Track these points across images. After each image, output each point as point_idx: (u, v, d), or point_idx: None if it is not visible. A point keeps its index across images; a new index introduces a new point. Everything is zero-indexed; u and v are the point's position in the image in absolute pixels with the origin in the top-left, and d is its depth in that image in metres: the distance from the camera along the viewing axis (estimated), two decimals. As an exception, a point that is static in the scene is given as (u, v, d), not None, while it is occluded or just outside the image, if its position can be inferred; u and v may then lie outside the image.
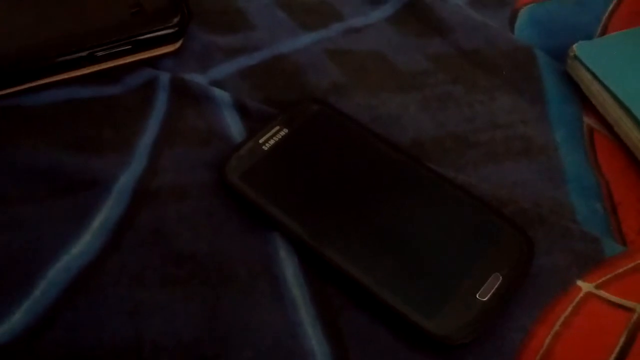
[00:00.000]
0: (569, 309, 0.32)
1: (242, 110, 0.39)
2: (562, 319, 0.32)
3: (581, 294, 0.33)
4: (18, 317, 0.30)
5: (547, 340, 0.31)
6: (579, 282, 0.33)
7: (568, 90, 0.42)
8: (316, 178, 0.36)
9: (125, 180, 0.35)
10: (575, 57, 0.42)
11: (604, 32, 0.46)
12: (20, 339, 0.30)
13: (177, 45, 0.41)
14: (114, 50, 0.39)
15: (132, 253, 0.33)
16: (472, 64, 0.43)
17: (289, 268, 0.33)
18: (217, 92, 0.39)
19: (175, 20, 0.40)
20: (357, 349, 0.31)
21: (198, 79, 0.41)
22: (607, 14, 0.47)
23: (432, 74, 0.43)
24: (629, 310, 0.32)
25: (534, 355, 0.31)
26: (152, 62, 0.41)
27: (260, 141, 0.36)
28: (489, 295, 0.31)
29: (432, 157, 0.38)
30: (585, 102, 0.41)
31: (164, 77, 0.40)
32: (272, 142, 0.36)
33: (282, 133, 0.37)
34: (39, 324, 0.30)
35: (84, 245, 0.33)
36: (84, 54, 0.38)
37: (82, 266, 0.32)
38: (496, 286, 0.31)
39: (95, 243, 0.33)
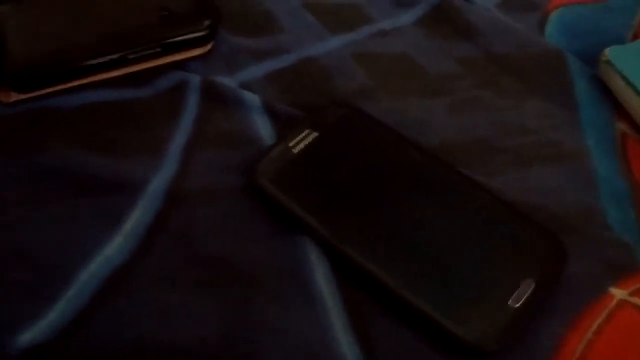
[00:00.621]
0: (602, 316, 0.32)
1: (271, 113, 0.39)
2: (594, 326, 0.31)
3: (614, 302, 0.32)
4: (52, 318, 0.31)
5: (580, 348, 0.31)
6: (612, 290, 0.33)
7: (600, 95, 0.42)
8: (346, 182, 0.36)
9: (157, 183, 0.35)
10: (607, 62, 0.41)
11: (635, 37, 0.45)
12: (54, 339, 0.30)
13: (207, 48, 0.42)
14: (144, 53, 0.39)
15: (162, 256, 0.33)
16: (501, 68, 0.43)
17: (320, 272, 0.33)
18: (247, 95, 0.40)
19: (206, 23, 0.41)
20: (388, 355, 0.31)
21: (227, 81, 0.41)
22: (638, 18, 0.47)
23: (460, 78, 0.42)
24: (663, 318, 0.32)
25: (567, 363, 0.30)
26: (183, 65, 0.41)
27: (290, 144, 0.36)
28: (521, 302, 0.31)
29: (460, 163, 0.37)
30: (617, 107, 0.41)
31: (194, 80, 0.40)
32: (301, 145, 0.36)
33: (312, 136, 0.37)
34: (73, 325, 0.31)
35: (116, 247, 0.33)
36: (115, 56, 0.39)
37: (115, 268, 0.32)
38: (528, 293, 0.31)
39: (127, 245, 0.33)
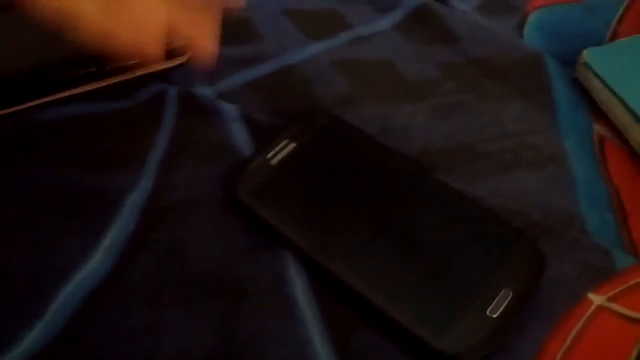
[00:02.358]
0: (581, 322, 0.32)
1: (250, 123, 0.39)
2: (573, 333, 0.32)
3: (592, 307, 0.32)
4: (31, 339, 0.30)
5: (559, 356, 0.31)
6: (590, 295, 0.33)
7: (578, 97, 0.42)
8: (325, 192, 0.36)
9: (136, 197, 0.35)
10: (585, 64, 0.41)
11: (614, 37, 0.45)
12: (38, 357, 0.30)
13: (186, 57, 0.41)
14: (122, 65, 0.39)
15: (144, 271, 0.33)
16: (481, 72, 0.43)
17: (299, 285, 0.33)
18: (225, 106, 0.40)
19: (183, 33, 0.40)
20: (369, 366, 0.31)
21: (207, 91, 0.41)
22: (616, 19, 0.47)
23: (441, 82, 0.42)
24: (641, 323, 0.32)
25: (546, 370, 0.31)
26: (162, 75, 0.41)
27: (268, 156, 0.36)
28: (499, 312, 0.31)
29: (441, 168, 0.38)
30: (595, 110, 0.41)
31: (173, 91, 0.40)
32: (280, 156, 0.36)
33: (291, 147, 0.37)
34: (54, 345, 0.30)
35: (96, 263, 0.33)
36: (92, 69, 0.39)
37: (95, 285, 0.32)
38: (507, 302, 0.31)
39: (107, 261, 0.33)
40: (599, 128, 0.41)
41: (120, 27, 0.30)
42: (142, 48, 0.31)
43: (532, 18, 0.47)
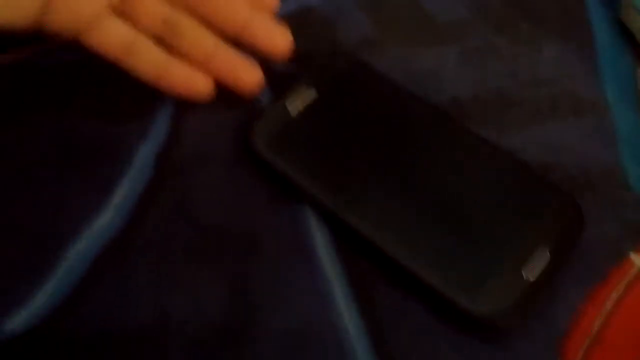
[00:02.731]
0: (622, 286, 0.30)
1: (267, 69, 0.36)
2: (613, 297, 0.30)
3: (634, 270, 0.31)
4: (42, 300, 0.29)
5: (597, 323, 0.29)
6: (632, 256, 0.31)
7: (622, 41, 0.39)
8: (347, 144, 0.33)
9: (147, 150, 0.33)
10: (631, 5, 0.38)
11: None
12: (46, 321, 0.29)
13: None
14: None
15: (156, 228, 0.31)
16: (516, 11, 0.40)
17: (320, 241, 0.31)
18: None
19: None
20: (393, 326, 0.29)
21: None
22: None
23: (471, 23, 0.39)
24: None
25: (584, 338, 0.29)
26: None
27: (287, 104, 0.34)
28: (535, 273, 0.29)
29: (473, 117, 0.35)
30: (640, 55, 0.38)
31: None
32: (299, 104, 0.34)
33: (310, 94, 0.34)
34: (64, 307, 0.29)
35: (106, 220, 0.31)
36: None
37: (105, 243, 0.31)
38: (543, 262, 0.29)
39: (117, 218, 0.31)
40: (644, 74, 0.38)
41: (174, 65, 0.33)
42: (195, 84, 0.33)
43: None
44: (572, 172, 0.33)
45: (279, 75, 0.36)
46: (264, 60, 0.36)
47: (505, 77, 0.37)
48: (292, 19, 0.39)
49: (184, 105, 0.35)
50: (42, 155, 0.33)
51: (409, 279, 0.30)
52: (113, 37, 0.32)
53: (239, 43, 0.34)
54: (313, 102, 0.34)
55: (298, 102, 0.34)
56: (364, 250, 0.31)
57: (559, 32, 0.39)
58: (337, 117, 0.34)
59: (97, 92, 0.35)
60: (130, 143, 0.33)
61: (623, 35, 0.39)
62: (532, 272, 0.29)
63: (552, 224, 0.31)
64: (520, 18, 0.40)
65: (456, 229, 0.31)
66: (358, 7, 0.39)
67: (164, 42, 0.33)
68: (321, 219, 0.32)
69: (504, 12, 0.40)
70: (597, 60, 0.38)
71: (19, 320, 0.29)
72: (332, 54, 0.36)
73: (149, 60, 0.33)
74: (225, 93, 0.35)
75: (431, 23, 0.39)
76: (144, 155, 0.33)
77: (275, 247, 0.31)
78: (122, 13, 0.33)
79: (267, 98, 0.35)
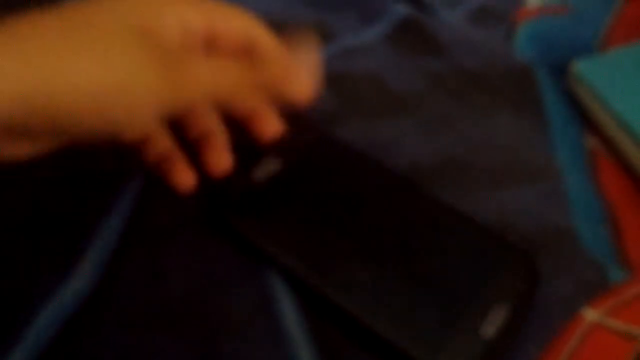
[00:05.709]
0: (575, 339, 0.31)
1: (232, 142, 0.38)
2: (568, 351, 0.31)
3: (587, 324, 0.32)
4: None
5: (554, 375, 0.30)
6: (584, 311, 0.32)
7: (570, 109, 0.41)
8: (313, 211, 0.35)
9: (114, 222, 0.34)
10: (576, 75, 0.41)
11: (604, 47, 0.45)
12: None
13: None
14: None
15: (122, 297, 0.32)
16: (470, 84, 0.43)
17: (287, 306, 0.32)
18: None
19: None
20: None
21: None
22: (605, 29, 0.46)
23: (429, 95, 0.42)
24: (635, 338, 0.31)
25: (542, 390, 0.30)
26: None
27: (253, 174, 0.36)
28: (493, 330, 0.30)
29: (431, 184, 0.37)
30: (587, 122, 0.41)
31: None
32: (265, 174, 0.36)
33: (277, 164, 0.36)
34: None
35: (71, 290, 0.32)
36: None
37: (73, 310, 0.31)
38: (501, 320, 0.31)
39: (84, 287, 0.32)
40: (591, 140, 0.40)
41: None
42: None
43: (521, 28, 0.46)
44: (528, 234, 0.35)
45: (245, 146, 0.38)
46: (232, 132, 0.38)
47: (461, 145, 0.39)
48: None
49: (150, 177, 0.36)
50: (12, 222, 0.34)
51: (373, 341, 0.30)
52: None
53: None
54: (279, 171, 0.36)
55: (263, 172, 0.36)
56: (330, 314, 0.32)
57: (512, 103, 0.42)
58: (302, 185, 0.36)
59: (67, 165, 0.36)
60: (98, 212, 0.34)
61: (571, 103, 0.41)
62: (489, 329, 0.30)
63: (509, 281, 0.32)
64: (476, 91, 0.42)
65: (417, 290, 0.32)
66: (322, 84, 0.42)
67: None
68: (288, 285, 0.32)
69: (458, 85, 0.42)
70: (548, 127, 0.40)
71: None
72: (297, 126, 0.38)
73: (157, 152, 0.35)
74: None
75: (390, 96, 0.42)
76: (111, 226, 0.34)
77: (244, 314, 0.32)
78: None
79: (233, 167, 0.37)
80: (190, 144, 0.35)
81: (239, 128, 0.35)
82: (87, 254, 0.33)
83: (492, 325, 0.30)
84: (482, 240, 0.34)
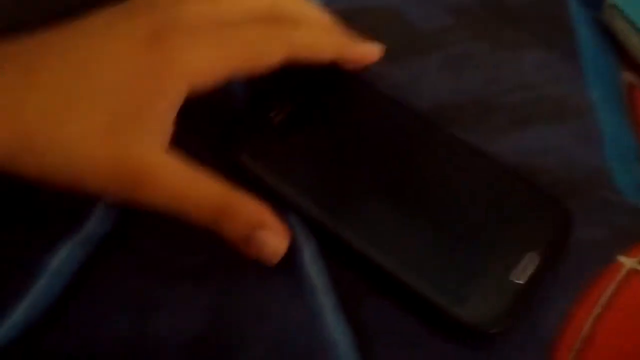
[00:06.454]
0: (611, 288, 0.30)
1: (250, 81, 0.36)
2: (603, 299, 0.29)
3: (623, 271, 0.30)
4: (16, 318, 0.29)
5: (587, 325, 0.29)
6: (621, 258, 0.31)
7: (604, 42, 0.38)
8: (332, 153, 0.33)
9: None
10: (612, 5, 0.38)
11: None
12: (18, 340, 0.28)
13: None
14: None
15: (139, 241, 0.31)
16: (496, 17, 0.40)
17: (306, 252, 0.31)
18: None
19: None
20: (382, 339, 0.29)
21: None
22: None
23: (452, 30, 0.39)
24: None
25: (574, 340, 0.28)
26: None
27: (272, 114, 0.34)
28: (524, 277, 0.29)
29: (456, 125, 0.35)
30: (623, 56, 0.38)
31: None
32: (283, 115, 0.34)
33: (294, 104, 0.34)
34: (39, 323, 0.29)
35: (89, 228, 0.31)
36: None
37: (86, 254, 0.30)
38: (532, 267, 0.29)
39: (97, 229, 0.31)
40: (628, 75, 0.37)
41: None
42: None
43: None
44: (559, 176, 0.33)
45: (261, 85, 0.36)
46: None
47: (487, 83, 0.37)
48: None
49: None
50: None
51: (397, 289, 0.29)
52: None
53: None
54: (297, 111, 0.34)
55: (281, 111, 0.34)
56: (351, 260, 0.30)
57: (541, 37, 0.39)
58: (321, 126, 0.34)
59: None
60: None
61: (606, 36, 0.39)
62: (521, 275, 0.29)
63: (541, 230, 0.30)
64: (501, 24, 0.40)
65: (444, 236, 0.30)
66: (338, 18, 0.39)
67: None
68: (308, 231, 0.31)
69: (485, 18, 0.40)
70: (581, 62, 0.38)
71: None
72: (314, 65, 0.36)
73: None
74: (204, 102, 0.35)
75: (412, 31, 0.39)
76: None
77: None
78: None
79: (250, 107, 0.35)
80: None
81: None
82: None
83: (524, 271, 0.29)
84: (513, 184, 0.32)
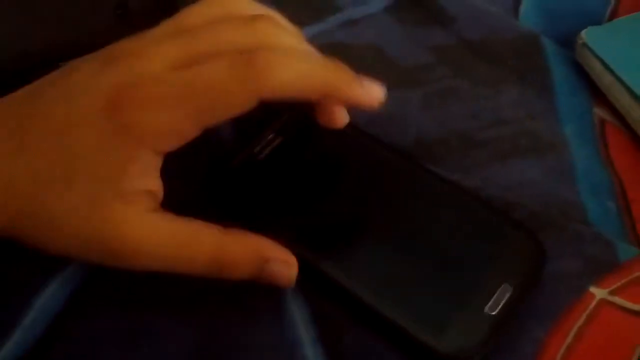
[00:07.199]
0: (583, 318, 0.31)
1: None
2: (575, 329, 0.30)
3: (595, 302, 0.31)
4: (3, 355, 0.29)
5: (561, 353, 0.30)
6: (592, 289, 0.32)
7: (578, 80, 0.40)
8: (314, 188, 0.34)
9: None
10: (585, 45, 0.40)
11: (613, 16, 0.43)
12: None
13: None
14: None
15: (123, 274, 0.31)
16: (475, 55, 0.41)
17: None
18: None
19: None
20: (362, 370, 0.30)
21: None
22: (615, -3, 0.45)
23: (433, 67, 0.41)
24: (646, 316, 0.31)
25: (548, 369, 0.29)
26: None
27: (255, 150, 0.35)
28: (498, 308, 0.30)
29: (436, 158, 0.36)
30: (596, 93, 0.40)
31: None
32: (267, 151, 0.35)
33: (278, 141, 0.35)
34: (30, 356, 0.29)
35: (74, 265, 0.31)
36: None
37: (71, 291, 0.31)
38: (506, 298, 0.30)
39: (82, 265, 0.31)
40: (600, 112, 0.39)
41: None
42: None
43: (527, -2, 0.45)
44: (533, 209, 0.34)
45: (246, 122, 0.37)
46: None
47: (467, 118, 0.38)
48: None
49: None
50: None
51: (375, 321, 0.30)
52: None
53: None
54: (280, 147, 0.35)
55: (265, 147, 0.35)
56: (331, 293, 0.31)
57: (517, 74, 0.40)
58: (302, 162, 0.35)
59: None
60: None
61: (579, 74, 0.40)
62: (495, 307, 0.30)
63: (514, 261, 0.31)
64: (479, 62, 0.41)
65: (421, 270, 0.31)
66: (323, 53, 0.41)
67: None
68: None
69: (464, 56, 0.41)
70: (555, 99, 0.39)
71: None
72: (298, 101, 0.37)
73: None
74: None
75: (394, 68, 0.40)
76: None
77: (245, 292, 0.31)
78: None
79: (234, 142, 0.36)
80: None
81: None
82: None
83: (497, 304, 0.30)
84: (487, 218, 0.33)
